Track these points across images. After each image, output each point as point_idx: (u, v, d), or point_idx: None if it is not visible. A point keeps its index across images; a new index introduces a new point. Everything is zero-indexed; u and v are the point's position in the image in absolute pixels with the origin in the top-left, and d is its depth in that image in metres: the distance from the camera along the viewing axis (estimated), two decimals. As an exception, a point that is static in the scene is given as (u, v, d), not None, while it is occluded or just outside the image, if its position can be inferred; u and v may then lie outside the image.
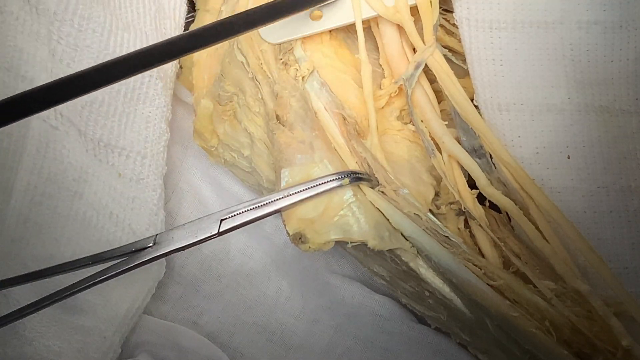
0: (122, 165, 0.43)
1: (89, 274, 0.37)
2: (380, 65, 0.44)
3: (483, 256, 0.39)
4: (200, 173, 0.51)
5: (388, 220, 0.39)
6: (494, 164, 0.40)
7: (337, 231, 0.38)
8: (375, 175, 0.39)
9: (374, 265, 0.42)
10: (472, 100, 0.41)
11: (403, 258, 0.39)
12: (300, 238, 0.39)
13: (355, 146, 0.40)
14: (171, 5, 0.47)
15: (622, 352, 0.35)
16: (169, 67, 0.46)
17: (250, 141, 0.45)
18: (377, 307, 0.47)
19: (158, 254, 0.37)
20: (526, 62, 0.40)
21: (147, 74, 0.44)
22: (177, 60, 0.48)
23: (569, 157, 0.39)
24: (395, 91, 0.42)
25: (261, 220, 0.38)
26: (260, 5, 0.36)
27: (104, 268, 0.37)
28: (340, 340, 0.46)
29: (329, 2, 0.40)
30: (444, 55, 0.42)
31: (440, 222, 0.39)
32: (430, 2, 0.41)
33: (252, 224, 0.38)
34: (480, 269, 0.38)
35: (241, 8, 0.45)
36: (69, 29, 0.41)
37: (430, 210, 0.40)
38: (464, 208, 0.39)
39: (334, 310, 0.47)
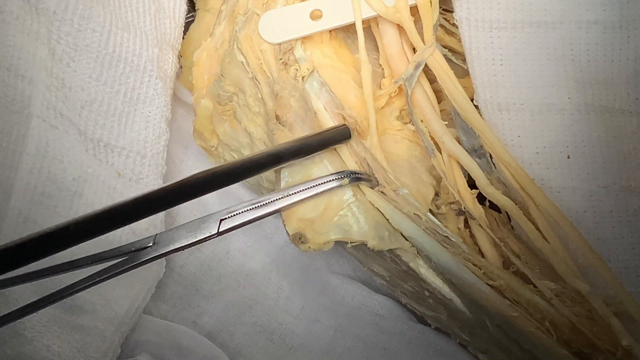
0: (121, 164, 0.43)
1: (89, 274, 0.37)
2: (380, 65, 0.44)
3: (483, 256, 0.39)
4: (201, 173, 0.51)
5: (388, 220, 0.39)
6: (493, 164, 0.40)
7: (337, 231, 0.38)
8: (375, 175, 0.39)
9: (374, 265, 0.42)
10: (472, 100, 0.41)
11: (403, 258, 0.39)
12: (300, 238, 0.39)
13: (354, 146, 0.40)
14: (171, 5, 0.47)
15: (622, 352, 0.35)
16: (169, 67, 0.46)
17: (250, 141, 0.45)
18: (377, 307, 0.47)
19: (158, 254, 0.37)
20: (526, 62, 0.40)
21: (147, 73, 0.44)
22: (177, 60, 0.48)
23: (569, 157, 0.39)
24: (395, 91, 0.42)
25: (261, 220, 0.38)
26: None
27: (103, 268, 0.37)
28: (340, 340, 0.46)
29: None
30: (444, 55, 0.42)
31: (440, 222, 0.39)
32: (430, 2, 0.41)
33: (252, 224, 0.38)
34: (480, 269, 0.38)
35: (241, 8, 0.45)
36: (68, 29, 0.41)
37: (430, 210, 0.40)
38: (464, 208, 0.39)
39: (334, 310, 0.47)
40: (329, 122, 0.40)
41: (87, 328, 0.40)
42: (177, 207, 0.50)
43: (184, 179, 0.34)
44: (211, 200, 0.51)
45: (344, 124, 0.40)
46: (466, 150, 0.40)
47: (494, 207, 0.40)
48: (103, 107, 0.43)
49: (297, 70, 0.41)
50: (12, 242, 0.28)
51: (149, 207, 0.33)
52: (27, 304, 0.36)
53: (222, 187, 0.35)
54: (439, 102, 0.43)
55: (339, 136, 0.39)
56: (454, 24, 0.42)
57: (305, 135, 0.40)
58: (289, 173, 0.40)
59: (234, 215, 0.37)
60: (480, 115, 0.40)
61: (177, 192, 0.34)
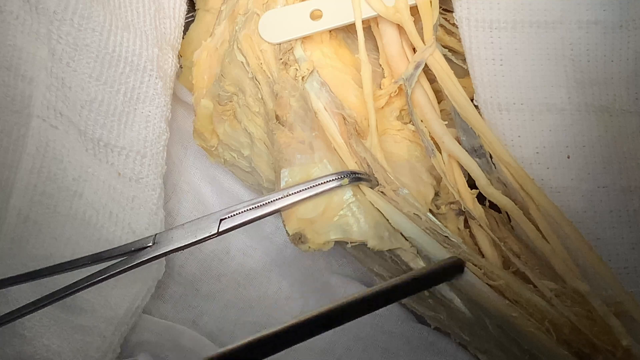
0: (121, 164, 0.43)
1: (89, 274, 0.37)
2: (380, 65, 0.44)
3: (483, 256, 0.39)
4: (200, 173, 0.51)
5: (388, 220, 0.39)
6: (493, 164, 0.40)
7: (337, 231, 0.38)
8: (375, 175, 0.39)
9: (374, 265, 0.42)
10: (472, 100, 0.41)
11: (403, 258, 0.39)
12: (300, 238, 0.39)
13: (354, 146, 0.40)
14: (171, 5, 0.47)
15: (622, 351, 0.35)
16: (169, 67, 0.46)
17: (250, 141, 0.45)
18: (377, 307, 0.47)
19: (157, 254, 0.37)
20: (526, 62, 0.40)
21: (147, 72, 0.44)
22: (177, 60, 0.48)
23: (569, 157, 0.39)
24: (395, 91, 0.42)
25: (261, 220, 0.38)
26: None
27: (103, 267, 0.37)
28: (340, 340, 0.46)
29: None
30: (444, 55, 0.42)
31: (440, 222, 0.39)
32: (430, 2, 0.41)
33: (252, 224, 0.38)
34: (480, 269, 0.38)
35: (241, 8, 0.45)
36: (68, 28, 0.41)
37: (430, 210, 0.40)
38: (464, 208, 0.39)
39: (334, 310, 0.47)
40: (329, 122, 0.40)
41: (86, 328, 0.40)
42: (176, 207, 0.50)
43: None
44: (211, 200, 0.51)
45: (458, 257, 0.37)
46: (466, 150, 0.40)
47: (494, 207, 0.40)
48: (103, 107, 0.43)
49: (297, 70, 0.41)
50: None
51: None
52: (27, 304, 0.36)
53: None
54: (439, 102, 0.43)
55: (453, 269, 0.37)
56: (454, 24, 0.42)
57: (414, 270, 0.37)
58: (289, 173, 0.40)
59: (234, 215, 0.37)
60: (480, 115, 0.40)
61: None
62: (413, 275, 0.36)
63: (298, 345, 0.47)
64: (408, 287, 0.35)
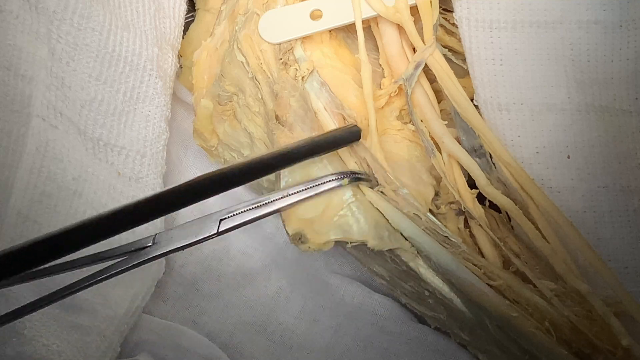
0: (121, 164, 0.43)
1: (89, 273, 0.37)
2: (380, 65, 0.44)
3: (483, 256, 0.39)
4: (200, 173, 0.51)
5: (388, 220, 0.39)
6: (493, 164, 0.40)
7: (337, 231, 0.38)
8: (375, 175, 0.39)
9: (374, 265, 0.42)
10: (472, 100, 0.41)
11: (403, 258, 0.39)
12: (300, 238, 0.39)
13: (354, 146, 0.40)
14: (170, 5, 0.47)
15: (622, 351, 0.35)
16: (169, 66, 0.46)
17: (250, 141, 0.45)
18: (377, 307, 0.47)
19: (157, 254, 0.37)
20: (526, 62, 0.40)
21: (146, 72, 0.44)
22: (177, 60, 0.48)
23: (569, 157, 0.39)
24: (395, 91, 0.42)
25: (261, 220, 0.38)
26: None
27: (103, 267, 0.37)
28: (340, 340, 0.46)
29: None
30: (444, 55, 0.42)
31: (440, 222, 0.39)
32: (430, 1, 0.41)
33: (252, 224, 0.38)
34: (480, 269, 0.38)
35: (241, 8, 0.45)
36: (68, 28, 0.41)
37: (430, 210, 0.40)
38: (464, 208, 0.39)
39: (334, 310, 0.47)
40: (329, 122, 0.40)
41: (86, 327, 0.40)
42: (176, 206, 0.50)
43: (192, 179, 0.33)
44: (211, 200, 0.51)
45: (354, 124, 0.39)
46: (466, 150, 0.40)
47: (494, 207, 0.40)
48: (103, 107, 0.43)
49: (297, 70, 0.41)
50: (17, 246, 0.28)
51: (155, 209, 0.32)
52: (27, 304, 0.36)
53: (229, 189, 0.34)
54: (439, 102, 0.43)
55: (350, 136, 0.38)
56: (454, 24, 0.42)
57: (315, 135, 0.39)
58: (289, 173, 0.40)
59: (234, 215, 0.37)
60: (480, 115, 0.40)
61: (184, 193, 0.33)
62: (310, 140, 0.37)
63: (297, 345, 0.47)
64: (304, 151, 0.36)
